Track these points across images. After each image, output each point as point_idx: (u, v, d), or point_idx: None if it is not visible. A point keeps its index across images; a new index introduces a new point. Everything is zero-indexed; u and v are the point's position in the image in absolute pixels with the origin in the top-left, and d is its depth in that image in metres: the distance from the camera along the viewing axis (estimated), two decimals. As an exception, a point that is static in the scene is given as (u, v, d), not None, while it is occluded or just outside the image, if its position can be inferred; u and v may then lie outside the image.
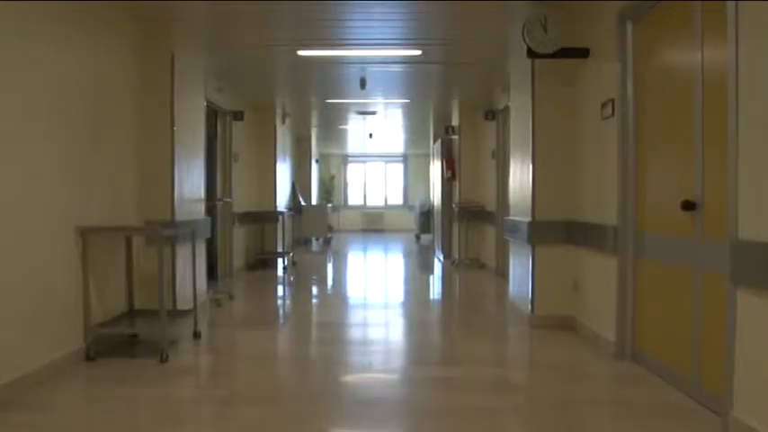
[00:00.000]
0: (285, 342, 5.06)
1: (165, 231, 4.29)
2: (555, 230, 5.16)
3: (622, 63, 4.17)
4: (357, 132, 14.41)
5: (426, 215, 14.77)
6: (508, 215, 6.21)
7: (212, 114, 7.86)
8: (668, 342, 3.64)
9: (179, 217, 5.24)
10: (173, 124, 5.19)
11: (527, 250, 5.34)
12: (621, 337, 4.18)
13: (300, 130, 13.68)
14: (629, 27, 4.14)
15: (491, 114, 8.71)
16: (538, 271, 5.23)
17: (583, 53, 4.79)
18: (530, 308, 5.28)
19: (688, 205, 3.30)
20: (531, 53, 4.75)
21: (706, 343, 3.20)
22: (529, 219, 5.26)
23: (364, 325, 5.62)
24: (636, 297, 4.09)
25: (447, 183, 10.59)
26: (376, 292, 7.61)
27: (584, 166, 4.94)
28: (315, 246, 14.24)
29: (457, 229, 9.99)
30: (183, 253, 5.31)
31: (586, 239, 4.80)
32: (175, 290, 5.05)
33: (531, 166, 5.24)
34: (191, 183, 5.63)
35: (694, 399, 3.31)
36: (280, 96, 9.45)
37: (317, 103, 10.08)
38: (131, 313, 4.72)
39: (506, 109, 7.46)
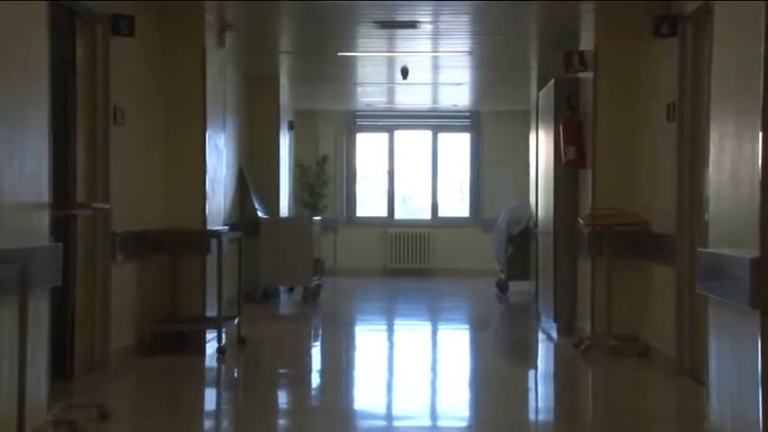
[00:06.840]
0: None
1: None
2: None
3: None
4: (376, 66, 14.60)
5: (521, 240, 14.85)
6: (704, 244, 6.28)
7: (65, 22, 7.83)
8: None
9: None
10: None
11: (751, 322, 5.24)
12: None
13: (258, 62, 13.87)
14: None
15: (667, 27, 8.53)
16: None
17: None
18: (762, 453, 5.26)
19: None
20: None
21: None
22: (755, 253, 5.15)
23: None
24: None
25: (566, 172, 10.65)
26: (413, 406, 7.69)
27: None
28: (285, 303, 14.42)
29: (589, 270, 10.00)
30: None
31: None
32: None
33: (762, 136, 5.13)
34: (17, 170, 5.72)
35: None
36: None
37: (292, 5, 10.13)
38: None
39: (702, 14, 7.46)
